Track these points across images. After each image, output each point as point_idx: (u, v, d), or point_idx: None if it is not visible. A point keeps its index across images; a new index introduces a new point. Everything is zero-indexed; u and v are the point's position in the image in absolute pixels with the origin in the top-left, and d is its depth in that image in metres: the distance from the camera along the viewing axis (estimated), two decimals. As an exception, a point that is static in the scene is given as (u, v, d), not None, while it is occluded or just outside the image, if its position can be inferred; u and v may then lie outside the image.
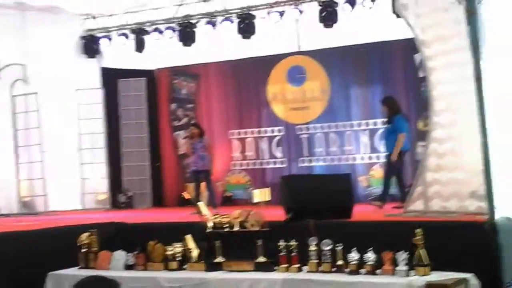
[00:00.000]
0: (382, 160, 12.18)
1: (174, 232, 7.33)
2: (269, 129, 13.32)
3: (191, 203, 13.39)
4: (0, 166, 11.94)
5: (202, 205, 7.19)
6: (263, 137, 13.38)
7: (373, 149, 12.43)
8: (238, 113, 13.61)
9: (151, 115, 13.99)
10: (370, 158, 12.47)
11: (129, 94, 13.89)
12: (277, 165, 13.25)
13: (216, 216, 6.90)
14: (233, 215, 6.73)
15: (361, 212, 7.99)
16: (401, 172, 9.91)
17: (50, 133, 12.32)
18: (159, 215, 10.87)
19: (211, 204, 10.93)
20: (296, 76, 12.98)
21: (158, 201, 13.90)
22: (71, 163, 13.14)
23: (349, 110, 12.69)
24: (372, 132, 12.42)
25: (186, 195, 13.73)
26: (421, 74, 11.83)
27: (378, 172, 12.19)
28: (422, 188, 7.58)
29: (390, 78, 12.28)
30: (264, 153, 13.37)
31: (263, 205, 6.64)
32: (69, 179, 13.00)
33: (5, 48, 11.70)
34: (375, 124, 12.35)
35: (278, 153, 13.24)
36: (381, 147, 12.25)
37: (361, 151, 12.55)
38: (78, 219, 9.45)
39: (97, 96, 13.48)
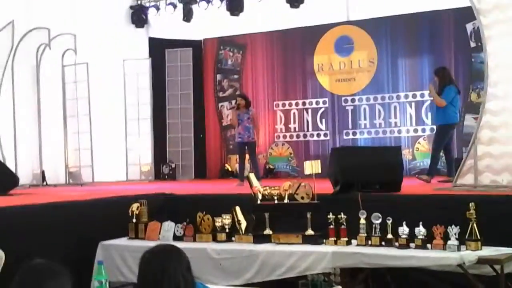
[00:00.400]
0: (428, 133, 12.07)
1: (222, 204, 7.38)
2: (314, 100, 13.23)
3: (234, 175, 13.54)
4: (49, 136, 12.07)
5: (252, 176, 7.18)
6: (307, 108, 13.29)
7: (419, 122, 12.26)
8: (283, 84, 13.52)
9: (197, 86, 14.00)
10: (415, 131, 12.30)
11: (175, 64, 13.92)
12: (321, 138, 13.18)
13: (266, 188, 6.88)
14: (283, 187, 6.70)
15: (408, 186, 7.86)
16: (449, 145, 9.72)
17: (98, 103, 12.40)
18: (203, 186, 10.92)
19: (256, 176, 10.91)
20: (344, 46, 12.82)
21: (201, 173, 13.96)
22: (117, 133, 13.32)
23: (395, 81, 12.50)
24: (419, 104, 12.24)
25: (229, 167, 13.84)
26: (472, 45, 11.62)
27: (423, 146, 12.06)
28: (473, 161, 7.42)
29: (439, 49, 12.04)
30: (308, 125, 13.28)
31: (312, 177, 6.56)
32: (115, 150, 13.19)
33: (55, 17, 11.76)
34: (422, 96, 12.17)
35: (322, 125, 13.15)
36: (428, 119, 12.11)
37: (406, 123, 12.38)
38: (126, 190, 9.55)
39: (145, 66, 13.58)
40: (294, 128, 13.39)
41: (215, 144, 14.20)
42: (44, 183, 11.80)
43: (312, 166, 6.53)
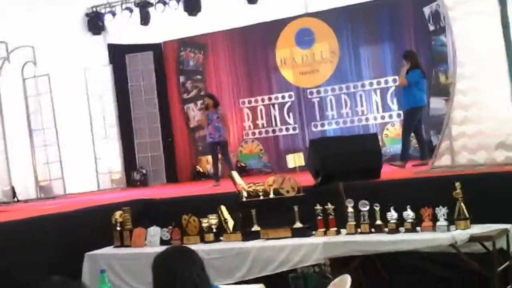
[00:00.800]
0: (395, 119, 12.22)
1: (205, 205, 7.35)
2: (279, 95, 13.26)
3: (206, 176, 13.52)
4: (15, 150, 11.85)
5: (235, 174, 7.17)
6: (274, 104, 13.31)
7: (386, 108, 12.38)
8: (248, 81, 13.51)
9: (160, 90, 13.89)
10: (382, 117, 12.42)
11: (137, 69, 13.78)
12: (290, 132, 13.22)
13: (250, 184, 6.87)
14: (268, 182, 6.71)
15: (385, 173, 7.91)
16: (419, 129, 9.84)
17: (62, 115, 12.21)
18: (179, 190, 10.82)
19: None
20: (305, 38, 12.87)
21: (172, 176, 13.87)
22: (84, 144, 13.11)
23: (359, 70, 12.60)
24: (384, 91, 12.37)
25: (201, 169, 13.80)
26: (431, 28, 11.80)
27: (391, 132, 12.19)
28: (448, 142, 7.53)
29: (399, 35, 12.20)
30: (276, 120, 13.31)
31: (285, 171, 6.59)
32: (83, 160, 13.00)
33: (12, 30, 11.55)
34: (386, 82, 12.32)
35: (290, 119, 13.19)
36: (394, 105, 12.25)
37: (373, 111, 12.50)
38: (103, 199, 9.44)
39: (106, 73, 13.43)
40: (262, 124, 13.40)
41: (184, 147, 14.13)
42: (15, 199, 11.57)
43: (295, 159, 6.54)
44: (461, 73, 7.31)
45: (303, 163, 6.67)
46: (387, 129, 12.27)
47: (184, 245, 3.43)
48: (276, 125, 13.30)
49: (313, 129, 12.92)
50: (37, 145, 12.17)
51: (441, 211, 5.80)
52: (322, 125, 12.86)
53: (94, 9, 13.59)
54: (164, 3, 13.05)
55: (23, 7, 12.21)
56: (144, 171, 13.54)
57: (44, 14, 12.39)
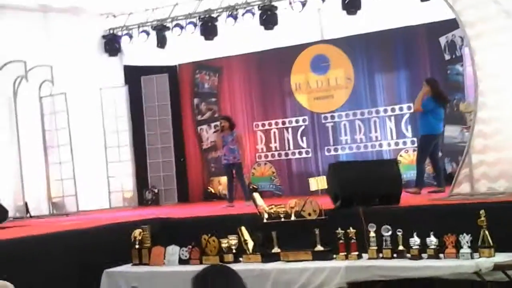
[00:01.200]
0: (409, 145, 12.27)
1: (223, 225, 7.38)
2: (293, 119, 13.32)
3: (217, 197, 13.57)
4: (30, 167, 11.94)
5: (257, 195, 7.19)
6: (287, 127, 13.37)
7: (400, 135, 12.43)
8: (262, 105, 13.59)
9: (175, 111, 14.00)
10: (396, 144, 12.47)
11: (152, 90, 13.89)
12: (303, 155, 13.26)
13: (272, 206, 6.90)
14: (289, 204, 6.74)
15: (402, 198, 7.92)
16: (435, 156, 9.86)
17: (76, 133, 12.30)
18: (192, 209, 10.85)
19: (245, 196, 10.93)
20: (320, 64, 12.97)
21: (183, 196, 13.92)
22: (97, 162, 13.21)
23: (374, 96, 12.68)
24: (398, 118, 12.43)
25: (212, 189, 13.85)
26: (446, 57, 11.90)
27: (405, 158, 12.21)
28: (468, 170, 7.55)
29: (415, 63, 12.30)
30: (289, 144, 13.36)
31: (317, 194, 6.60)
32: (96, 178, 13.09)
33: (31, 50, 11.70)
34: (401, 109, 12.39)
35: (303, 143, 13.23)
36: (408, 132, 12.31)
37: (387, 137, 12.55)
38: (120, 217, 9.46)
39: (121, 94, 13.55)
40: (275, 147, 13.45)
41: (196, 167, 14.19)
42: (28, 214, 11.62)
43: (317, 182, 6.58)
44: (482, 102, 7.36)
45: (325, 186, 6.70)
46: (400, 155, 12.28)
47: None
48: (289, 148, 13.35)
49: (326, 153, 12.96)
50: (52, 162, 12.23)
51: (465, 239, 5.80)
52: (336, 149, 12.90)
53: (111, 31, 13.76)
54: (181, 27, 13.21)
55: (42, 27, 12.44)
56: (156, 191, 13.60)
57: (62, 34, 12.61)
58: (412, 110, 12.12)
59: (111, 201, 13.37)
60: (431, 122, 9.49)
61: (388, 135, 12.53)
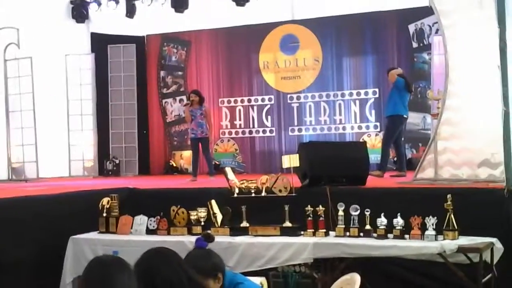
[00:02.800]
0: (372, 130, 12.46)
1: (193, 198, 7.41)
2: (259, 97, 13.38)
3: (178, 171, 13.59)
4: (-9, 131, 11.75)
5: (228, 170, 7.25)
6: (253, 105, 13.43)
7: (363, 119, 12.63)
8: (228, 81, 13.62)
9: (140, 82, 13.88)
10: (360, 127, 12.66)
11: (118, 60, 13.75)
12: (266, 134, 13.35)
13: (243, 181, 6.96)
14: (261, 180, 6.81)
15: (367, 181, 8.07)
16: (399, 141, 10.00)
17: (40, 99, 12.11)
18: (152, 182, 10.82)
19: (209, 172, 10.98)
20: (289, 44, 13.04)
21: (144, 169, 13.87)
22: (59, 129, 13.03)
23: (340, 79, 12.83)
24: (363, 102, 12.62)
25: (174, 163, 13.85)
26: (414, 45, 12.09)
27: (368, 142, 12.32)
28: (433, 156, 7.72)
29: (382, 49, 12.48)
30: (253, 122, 13.43)
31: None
32: (57, 146, 12.93)
33: (-3, 11, 11.45)
34: (366, 94, 12.58)
35: (268, 122, 13.32)
36: (372, 117, 12.50)
37: (351, 120, 12.72)
38: (83, 185, 9.41)
39: (87, 61, 13.37)
40: (240, 124, 13.51)
41: (158, 140, 14.16)
42: (-14, 179, 11.46)
43: (290, 160, 6.65)
44: (452, 90, 7.51)
45: (298, 164, 6.78)
46: (363, 139, 12.46)
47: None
48: (253, 126, 13.42)
49: (290, 133, 13.10)
50: (13, 127, 12.04)
51: (431, 221, 5.97)
52: (299, 130, 13.03)
53: (80, -3, 13.52)
54: (152, -3, 13.06)
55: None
56: (117, 161, 13.51)
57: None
58: (377, 95, 12.37)
59: (71, 170, 13.24)
60: (398, 104, 9.61)
61: (352, 118, 12.70)
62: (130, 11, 13.27)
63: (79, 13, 13.46)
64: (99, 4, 13.46)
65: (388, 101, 9.87)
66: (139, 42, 13.97)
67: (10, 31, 11.43)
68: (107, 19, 13.60)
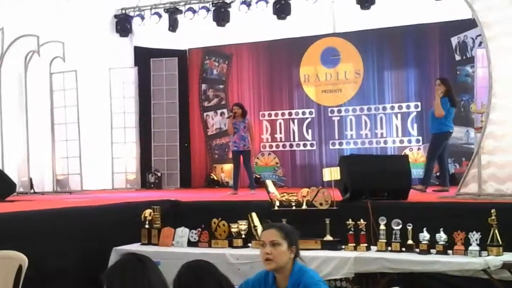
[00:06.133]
0: (414, 144, 12.35)
1: (234, 211, 7.45)
2: (300, 111, 13.38)
3: (219, 184, 13.66)
4: (37, 143, 11.97)
5: (269, 183, 7.26)
6: (293, 119, 13.43)
7: (405, 133, 12.51)
8: (269, 95, 13.65)
9: (182, 95, 14.03)
10: (401, 141, 12.55)
11: (161, 73, 13.92)
12: (307, 148, 13.33)
13: (284, 194, 6.97)
14: (301, 193, 6.81)
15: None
16: (443, 155, 9.82)
17: (84, 111, 12.33)
18: (194, 195, 10.91)
19: (250, 185, 11.01)
20: (330, 58, 13.02)
21: (186, 181, 13.97)
22: (103, 142, 13.26)
23: (381, 93, 12.74)
24: (405, 116, 12.51)
25: (215, 176, 13.92)
26: (457, 58, 11.96)
27: (410, 157, 12.19)
28: (477, 170, 7.62)
29: (425, 62, 12.37)
30: (294, 135, 13.43)
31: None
32: (101, 158, 13.13)
33: (44, 25, 11.69)
34: (408, 107, 12.47)
35: (308, 136, 13.30)
36: (414, 130, 12.38)
37: (392, 134, 12.62)
38: (126, 197, 9.53)
39: (130, 75, 13.57)
40: (280, 138, 13.51)
41: (200, 153, 14.25)
42: (32, 190, 11.66)
43: (331, 173, 6.64)
44: (496, 103, 7.43)
45: (338, 177, 6.76)
46: (405, 153, 12.34)
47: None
48: (294, 140, 13.41)
49: (331, 147, 13.05)
50: (58, 139, 12.26)
51: (474, 236, 5.90)
52: (340, 144, 12.97)
53: (124, 11, 13.76)
54: (194, 11, 13.21)
55: (56, 3, 12.41)
56: (159, 174, 13.64)
57: (75, 12, 12.58)
58: (419, 109, 12.26)
59: (114, 182, 13.43)
60: (444, 121, 9.43)
61: (394, 132, 12.60)
62: (173, 25, 13.44)
63: (123, 27, 13.70)
64: (143, 18, 13.68)
65: (433, 117, 9.66)
66: (181, 55, 14.13)
67: (56, 45, 11.65)
68: (150, 33, 13.81)
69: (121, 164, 13.53)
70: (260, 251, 4.04)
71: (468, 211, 6.55)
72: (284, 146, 13.52)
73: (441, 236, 6.07)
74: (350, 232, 6.48)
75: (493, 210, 5.85)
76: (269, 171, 13.57)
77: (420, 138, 12.28)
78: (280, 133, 13.54)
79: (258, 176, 13.33)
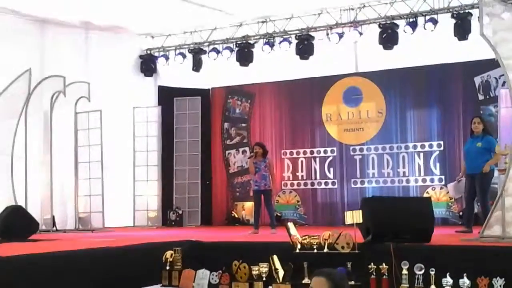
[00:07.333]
0: (437, 183, 12.25)
1: (254, 252, 7.42)
2: (322, 149, 13.38)
3: (240, 222, 13.65)
4: (60, 181, 12.11)
5: (291, 225, 7.23)
6: (315, 157, 13.43)
7: (427, 172, 12.42)
8: (291, 133, 13.70)
9: (204, 133, 14.14)
10: (424, 180, 12.46)
11: (184, 112, 14.07)
12: (329, 186, 13.29)
13: (305, 237, 6.94)
14: (323, 236, 6.78)
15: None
16: (474, 195, 9.63)
17: (107, 150, 12.46)
18: (215, 233, 10.89)
19: (271, 224, 10.96)
20: (352, 97, 13.06)
21: (207, 219, 14.00)
22: (125, 180, 13.36)
23: (404, 132, 12.71)
24: (427, 155, 12.44)
25: (236, 214, 13.92)
26: (480, 97, 11.92)
27: (432, 196, 12.14)
28: (500, 213, 7.53)
29: (448, 101, 12.33)
30: (315, 174, 13.41)
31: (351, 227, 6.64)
32: (123, 196, 13.23)
33: (70, 65, 11.93)
34: (430, 146, 12.40)
35: (330, 174, 13.28)
36: (436, 170, 12.29)
37: (415, 173, 12.54)
38: (147, 237, 9.54)
39: (153, 114, 13.74)
40: (302, 176, 13.51)
41: (221, 191, 14.28)
42: (54, 228, 11.75)
43: (353, 216, 6.60)
44: (520, 145, 7.38)
45: (360, 221, 6.72)
46: (427, 192, 12.26)
47: None
48: (315, 178, 13.39)
49: (353, 185, 13.00)
50: (81, 178, 12.38)
51: (498, 282, 5.81)
52: (362, 182, 12.92)
53: (149, 52, 13.98)
54: (217, 52, 13.39)
55: (83, 43, 12.67)
56: (180, 212, 13.69)
57: (101, 52, 12.85)
58: (441, 148, 12.15)
59: (136, 220, 13.51)
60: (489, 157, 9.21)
61: (416, 171, 12.52)
62: (197, 65, 13.62)
63: (148, 67, 13.94)
64: (167, 59, 13.89)
65: (476, 157, 9.30)
66: (204, 94, 14.27)
67: (82, 85, 11.85)
68: (174, 72, 14.01)
69: (143, 201, 13.63)
70: None
71: (492, 255, 6.44)
72: (305, 184, 13.50)
73: (465, 282, 5.99)
74: (372, 277, 6.42)
75: (517, 256, 5.77)
76: (291, 209, 13.54)
77: (443, 177, 12.19)
78: (302, 171, 13.54)
79: (279, 214, 13.30)
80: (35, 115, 11.78)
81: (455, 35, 11.39)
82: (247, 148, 13.74)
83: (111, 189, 12.63)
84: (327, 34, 12.47)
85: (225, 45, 13.27)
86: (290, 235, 7.10)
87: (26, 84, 11.38)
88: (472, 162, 9.34)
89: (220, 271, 7.09)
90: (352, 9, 12.30)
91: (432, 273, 6.15)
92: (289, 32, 12.77)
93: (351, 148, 13.10)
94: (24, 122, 11.50)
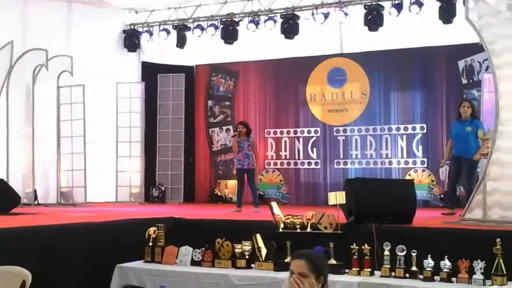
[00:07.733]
0: (419, 165, 12.33)
1: (237, 230, 7.44)
2: (305, 129, 13.39)
3: (223, 199, 13.68)
4: (42, 155, 12.04)
5: (274, 205, 7.26)
6: (299, 137, 13.44)
7: (410, 154, 12.49)
8: (275, 113, 13.68)
9: (188, 111, 14.09)
10: (406, 163, 12.53)
11: (167, 89, 14.00)
12: (312, 166, 13.33)
13: (288, 216, 6.97)
14: (306, 216, 6.80)
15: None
16: (459, 179, 9.65)
17: (90, 125, 12.39)
18: (197, 211, 10.89)
19: (253, 203, 11.00)
20: (336, 77, 13.06)
21: (189, 196, 14.02)
22: (108, 155, 13.31)
23: (387, 114, 12.74)
24: (410, 137, 12.49)
25: (218, 192, 13.94)
26: (464, 81, 11.98)
27: (414, 178, 12.22)
28: (482, 196, 7.62)
29: (431, 84, 12.36)
30: (299, 154, 13.44)
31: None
32: (105, 171, 13.18)
33: (53, 39, 11.80)
34: (413, 129, 12.46)
35: (313, 154, 13.31)
36: (419, 152, 12.36)
37: (397, 155, 12.61)
38: (130, 213, 9.54)
39: (137, 90, 13.66)
40: (285, 155, 13.53)
41: (204, 169, 14.27)
42: (36, 202, 11.70)
43: (336, 197, 6.64)
44: (503, 131, 7.43)
45: (344, 202, 6.76)
46: (409, 174, 12.33)
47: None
48: (298, 158, 13.42)
49: (335, 166, 13.05)
50: (63, 152, 12.31)
51: (479, 265, 5.87)
52: (345, 163, 12.97)
53: (132, 27, 13.86)
54: (202, 29, 13.31)
55: (65, 17, 12.54)
56: (163, 188, 13.68)
57: (84, 26, 12.69)
58: (424, 131, 12.23)
59: (118, 195, 13.48)
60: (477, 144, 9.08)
61: (399, 153, 12.59)
62: (181, 42, 13.52)
63: (132, 42, 13.82)
64: (151, 34, 13.78)
65: (467, 141, 9.27)
66: (188, 72, 14.20)
67: (64, 59, 11.75)
68: (158, 49, 13.91)
69: (126, 177, 13.59)
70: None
71: (473, 238, 6.52)
72: (288, 164, 13.53)
73: (446, 264, 6.04)
74: (354, 257, 6.47)
75: (498, 239, 5.83)
76: (273, 188, 13.58)
77: (425, 160, 12.28)
78: (285, 151, 13.56)
79: (262, 193, 13.35)
80: (17, 88, 11.69)
81: (440, 18, 11.40)
82: (230, 127, 13.72)
83: (94, 164, 12.57)
84: (313, 14, 12.43)
85: (209, 22, 13.19)
86: (273, 214, 7.13)
87: (8, 56, 11.30)
88: (463, 146, 9.31)
89: (203, 248, 7.09)
90: (338, -11, 12.28)
91: (414, 254, 6.20)
92: (274, 11, 12.71)
93: (335, 129, 13.13)
94: (6, 95, 11.43)
